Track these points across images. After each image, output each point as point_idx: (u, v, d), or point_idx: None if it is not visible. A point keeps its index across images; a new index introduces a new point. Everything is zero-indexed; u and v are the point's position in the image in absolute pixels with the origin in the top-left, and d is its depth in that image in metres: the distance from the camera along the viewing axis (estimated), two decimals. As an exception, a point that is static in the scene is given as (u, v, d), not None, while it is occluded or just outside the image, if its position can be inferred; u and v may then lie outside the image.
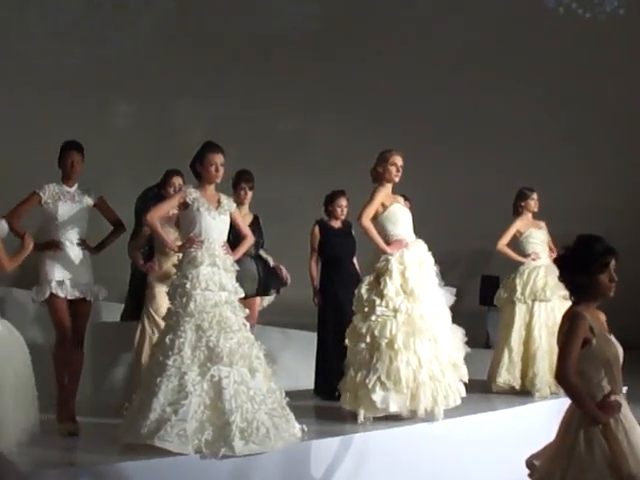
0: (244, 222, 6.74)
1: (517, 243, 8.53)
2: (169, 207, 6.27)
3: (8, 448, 5.65)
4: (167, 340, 5.84)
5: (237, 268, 6.20)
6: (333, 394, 7.15)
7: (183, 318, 5.86)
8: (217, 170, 6.10)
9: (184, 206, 6.10)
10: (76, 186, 6.68)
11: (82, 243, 6.64)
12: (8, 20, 12.59)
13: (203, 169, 6.11)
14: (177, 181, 7.27)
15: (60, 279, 6.46)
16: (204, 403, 5.65)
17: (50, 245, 6.50)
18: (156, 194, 7.43)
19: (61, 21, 12.94)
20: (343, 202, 8.18)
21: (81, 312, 6.59)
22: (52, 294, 6.43)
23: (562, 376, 4.19)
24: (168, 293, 6.14)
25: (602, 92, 12.51)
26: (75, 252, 6.57)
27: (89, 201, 6.70)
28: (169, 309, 6.05)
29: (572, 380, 4.17)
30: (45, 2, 12.95)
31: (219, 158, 6.10)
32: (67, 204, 6.57)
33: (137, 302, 7.54)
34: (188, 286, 5.90)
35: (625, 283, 4.61)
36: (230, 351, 5.80)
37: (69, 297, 6.47)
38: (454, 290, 7.26)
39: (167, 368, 5.71)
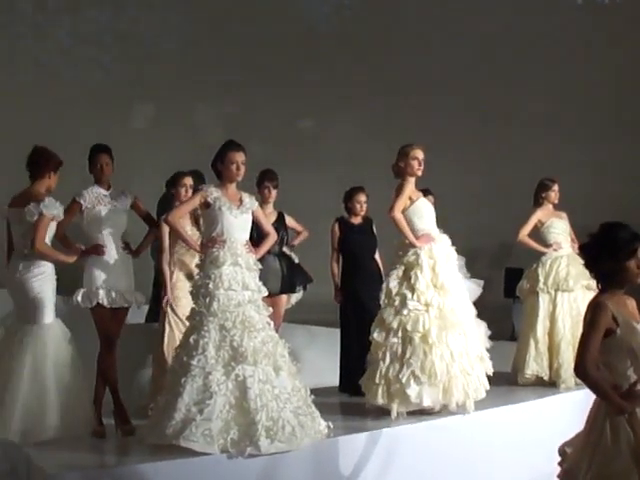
0: (267, 220, 6.75)
1: (538, 234, 8.50)
2: (190, 207, 6.29)
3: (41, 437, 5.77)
4: (191, 340, 5.86)
5: (260, 266, 6.21)
6: (358, 390, 7.15)
7: (207, 318, 5.88)
8: (238, 168, 6.08)
9: (205, 206, 6.09)
10: (112, 189, 6.67)
11: (126, 247, 6.66)
12: (26, 23, 12.69)
13: (224, 167, 6.09)
14: (188, 182, 7.27)
15: (105, 286, 6.45)
16: (229, 402, 5.66)
17: (95, 249, 6.47)
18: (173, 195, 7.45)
19: (82, 23, 13.03)
20: (362, 198, 8.14)
21: (119, 318, 6.61)
22: (98, 303, 6.43)
23: (580, 369, 4.18)
24: (191, 293, 6.15)
25: (627, 83, 12.42)
26: (119, 256, 6.57)
27: (127, 203, 6.70)
28: (192, 309, 6.07)
29: (590, 372, 4.15)
30: (65, 4, 13.04)
31: (240, 156, 6.09)
32: (107, 208, 6.56)
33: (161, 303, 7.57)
34: (211, 286, 5.91)
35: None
36: (254, 350, 5.81)
37: (114, 306, 6.48)
38: (481, 282, 7.28)
39: (191, 368, 5.73)
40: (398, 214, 6.81)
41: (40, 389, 6.16)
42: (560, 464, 4.47)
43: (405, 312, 6.67)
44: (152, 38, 12.98)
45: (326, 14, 13.52)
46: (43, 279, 6.30)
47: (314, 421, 5.91)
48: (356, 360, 7.40)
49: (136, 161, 11.81)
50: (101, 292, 6.43)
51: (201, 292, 5.96)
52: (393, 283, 6.79)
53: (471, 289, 7.24)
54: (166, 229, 7.16)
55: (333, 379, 8.17)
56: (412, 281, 6.70)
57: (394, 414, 6.60)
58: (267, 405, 5.69)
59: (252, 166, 7.57)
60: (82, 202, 6.51)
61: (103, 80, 12.76)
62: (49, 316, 6.33)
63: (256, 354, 5.80)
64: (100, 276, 6.47)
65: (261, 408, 5.65)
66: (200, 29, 12.90)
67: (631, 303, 4.37)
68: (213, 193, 6.06)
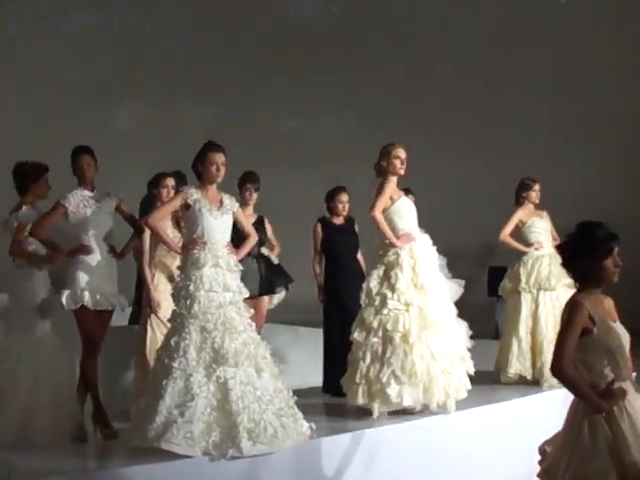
0: (247, 221, 6.74)
1: (520, 233, 8.51)
2: (170, 209, 6.27)
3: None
4: (172, 342, 5.84)
5: (241, 268, 6.20)
6: (340, 390, 7.15)
7: (187, 320, 5.85)
8: (218, 170, 6.05)
9: (186, 207, 6.07)
10: (96, 191, 6.62)
11: (112, 250, 6.62)
12: (11, 23, 12.65)
13: (204, 169, 6.06)
14: (170, 182, 7.23)
15: (90, 289, 6.40)
16: (211, 405, 5.65)
17: (81, 250, 6.43)
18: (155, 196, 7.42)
19: (65, 24, 12.99)
20: (344, 198, 8.14)
21: (104, 321, 6.56)
22: (83, 305, 6.39)
23: (556, 368, 4.20)
24: (172, 295, 6.13)
25: (608, 86, 12.45)
26: (103, 259, 6.52)
27: (112, 205, 6.65)
28: (174, 311, 6.04)
29: (566, 371, 4.17)
30: (48, 6, 13.00)
31: (220, 157, 6.05)
32: (91, 210, 6.51)
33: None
34: (192, 288, 5.89)
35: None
36: (235, 352, 5.79)
37: (97, 308, 6.43)
38: (463, 282, 7.27)
39: (172, 370, 5.71)
40: (378, 214, 6.80)
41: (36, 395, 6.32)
42: (540, 463, 4.49)
43: (385, 312, 6.66)
44: (135, 40, 12.93)
45: (311, 14, 13.52)
46: (36, 288, 6.44)
47: (296, 422, 5.90)
48: (339, 360, 7.40)
49: (119, 162, 11.78)
50: (86, 294, 6.38)
51: (182, 294, 5.94)
52: (373, 283, 6.79)
53: (452, 289, 7.23)
54: (147, 231, 7.14)
55: (317, 379, 8.16)
56: (392, 281, 6.69)
57: (375, 414, 6.59)
58: (249, 407, 5.67)
59: (234, 166, 7.57)
60: (67, 205, 6.46)
61: (86, 81, 12.71)
62: (45, 325, 6.48)
63: (237, 356, 5.79)
64: (84, 278, 6.42)
65: (243, 410, 5.63)
66: (184, 31, 12.88)
67: (608, 302, 4.39)
68: (193, 195, 6.03)
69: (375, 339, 6.67)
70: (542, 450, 4.51)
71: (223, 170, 6.08)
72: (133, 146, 12.62)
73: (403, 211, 6.93)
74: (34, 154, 10.20)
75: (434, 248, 6.99)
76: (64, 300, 6.37)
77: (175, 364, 5.72)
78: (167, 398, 5.62)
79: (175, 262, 7.16)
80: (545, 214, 8.61)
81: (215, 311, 5.89)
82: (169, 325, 6.73)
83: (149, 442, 5.51)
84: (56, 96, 12.33)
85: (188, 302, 5.88)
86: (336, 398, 7.44)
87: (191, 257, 5.98)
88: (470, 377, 6.92)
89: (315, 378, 8.19)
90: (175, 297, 6.03)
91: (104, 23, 13.22)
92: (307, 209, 8.66)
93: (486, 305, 10.86)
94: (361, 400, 6.66)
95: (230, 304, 5.98)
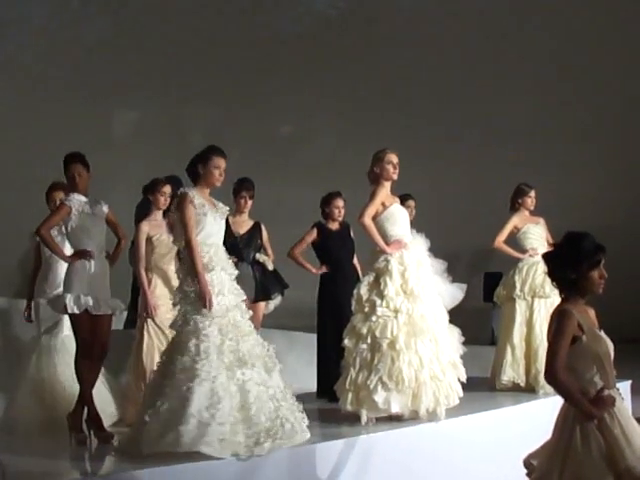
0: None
1: (515, 240, 8.52)
2: (191, 214, 5.98)
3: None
4: (191, 345, 5.76)
5: (236, 271, 6.18)
6: (334, 395, 7.15)
7: (203, 322, 5.80)
8: (220, 174, 6.03)
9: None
10: (89, 197, 6.64)
11: (107, 255, 6.66)
12: (7, 27, 12.66)
13: (206, 171, 5.99)
14: (167, 190, 7.25)
15: (90, 293, 6.45)
16: (233, 406, 5.63)
17: (83, 254, 6.48)
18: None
19: (61, 28, 13.01)
20: (339, 203, 8.15)
21: (105, 326, 6.58)
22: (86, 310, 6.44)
23: (550, 375, 4.20)
24: (180, 299, 5.97)
25: (607, 90, 12.47)
26: (100, 264, 6.56)
27: (104, 211, 6.68)
28: (182, 314, 5.92)
29: (561, 378, 4.18)
30: (44, 9, 13.02)
31: (223, 163, 6.04)
32: (89, 215, 6.56)
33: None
34: (219, 289, 5.86)
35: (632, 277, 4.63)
36: (249, 353, 5.82)
37: (94, 313, 6.45)
38: (464, 286, 7.24)
39: (198, 373, 5.65)
40: (367, 220, 6.80)
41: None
42: (528, 475, 4.49)
43: (374, 318, 6.66)
44: (135, 44, 12.94)
45: (306, 22, 13.52)
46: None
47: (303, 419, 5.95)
48: (332, 365, 7.40)
49: (118, 166, 11.81)
50: (89, 299, 6.43)
51: (191, 297, 5.87)
52: (363, 289, 6.80)
53: (453, 293, 7.21)
54: (143, 235, 7.15)
55: (312, 384, 8.19)
56: (381, 287, 6.69)
57: (363, 420, 6.59)
58: (264, 407, 5.70)
59: (231, 172, 7.60)
60: (71, 206, 6.50)
61: (86, 84, 12.73)
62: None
63: (251, 357, 5.81)
64: (84, 282, 6.47)
65: (260, 410, 5.66)
66: (181, 36, 12.88)
67: (591, 312, 4.40)
68: (196, 197, 5.96)
69: (364, 345, 6.67)
70: (527, 463, 4.51)
71: (223, 176, 6.07)
72: (131, 150, 12.63)
73: (395, 217, 6.93)
74: (36, 155, 10.31)
75: (427, 254, 6.99)
76: (67, 303, 6.41)
77: (199, 366, 5.66)
78: (196, 401, 5.56)
79: (171, 267, 7.19)
80: (541, 220, 8.60)
81: (225, 314, 5.88)
82: (166, 330, 6.78)
83: (185, 446, 5.46)
84: (56, 97, 12.35)
85: (200, 305, 5.83)
86: (330, 404, 7.41)
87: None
88: (465, 384, 6.91)
89: (310, 383, 8.20)
90: (184, 300, 5.93)
91: (105, 28, 13.23)
92: (305, 215, 8.65)
93: (482, 311, 10.86)
94: (350, 406, 6.67)
95: (235, 307, 5.99)
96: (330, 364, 7.64)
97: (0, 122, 12.03)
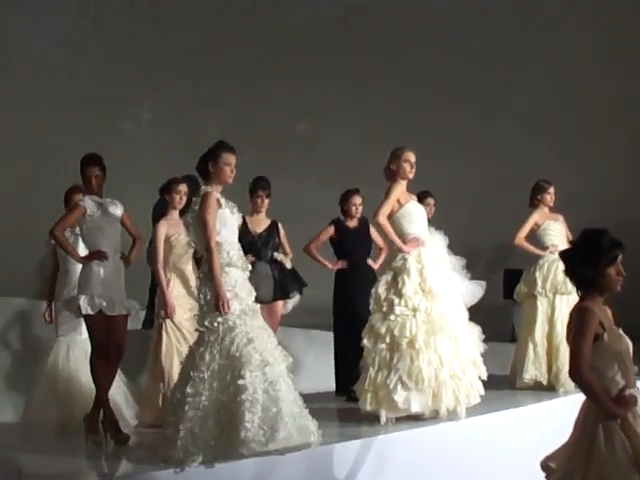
0: None
1: (535, 236, 8.44)
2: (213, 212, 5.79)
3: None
4: (249, 350, 5.59)
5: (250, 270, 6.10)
6: (350, 394, 7.14)
7: (241, 319, 5.68)
8: (232, 171, 5.86)
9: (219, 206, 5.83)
10: (104, 198, 6.64)
11: (122, 256, 6.66)
12: (21, 27, 12.72)
13: (217, 169, 5.81)
14: (183, 189, 7.24)
15: (104, 294, 6.44)
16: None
17: (97, 255, 6.46)
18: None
19: (76, 28, 13.06)
20: (357, 200, 8.16)
21: (121, 327, 6.56)
22: (100, 310, 6.43)
23: (576, 373, 4.15)
24: (205, 300, 5.79)
25: (625, 85, 12.36)
26: (114, 264, 6.55)
27: (119, 212, 6.67)
28: (214, 317, 5.69)
29: (586, 376, 4.13)
30: (59, 9, 13.06)
31: (234, 159, 5.88)
32: (104, 216, 6.55)
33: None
34: (237, 289, 5.73)
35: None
36: (274, 351, 5.74)
37: (108, 313, 6.44)
38: (484, 283, 7.18)
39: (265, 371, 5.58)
40: (383, 219, 6.75)
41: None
42: (547, 478, 4.43)
43: (392, 317, 6.61)
44: (146, 44, 12.96)
45: (322, 20, 13.47)
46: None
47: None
48: (348, 363, 7.43)
49: (134, 166, 11.82)
50: (103, 300, 6.42)
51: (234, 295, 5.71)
52: (381, 289, 6.74)
53: (473, 290, 7.14)
54: (161, 235, 7.12)
55: (331, 383, 8.18)
56: (399, 286, 6.63)
57: (383, 420, 6.54)
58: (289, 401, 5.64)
59: (247, 171, 7.56)
60: (86, 207, 6.50)
61: (102, 85, 12.76)
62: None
63: (275, 355, 5.73)
64: (98, 283, 6.45)
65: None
66: (195, 34, 12.87)
67: (608, 310, 4.34)
68: (217, 196, 5.81)
69: (383, 345, 6.61)
70: (545, 466, 4.46)
71: (234, 172, 5.90)
72: (147, 150, 12.63)
73: (412, 215, 6.87)
74: (55, 157, 10.34)
75: (446, 251, 6.93)
76: (82, 304, 6.40)
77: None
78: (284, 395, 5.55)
79: (188, 267, 7.18)
80: (560, 217, 8.53)
81: (251, 312, 5.79)
82: (184, 330, 6.75)
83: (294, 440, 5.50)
84: (72, 99, 12.39)
85: (239, 304, 5.71)
86: (349, 403, 7.42)
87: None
88: (485, 381, 6.84)
89: (329, 382, 8.20)
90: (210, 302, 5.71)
91: (119, 30, 13.25)
92: (322, 213, 8.62)
93: (502, 308, 10.78)
94: (369, 406, 6.61)
95: (252, 310, 5.85)
96: (344, 362, 7.70)
97: (19, 124, 12.07)
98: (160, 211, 7.63)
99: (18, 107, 12.14)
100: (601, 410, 4.15)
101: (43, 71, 12.74)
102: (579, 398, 4.38)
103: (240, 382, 5.46)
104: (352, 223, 8.22)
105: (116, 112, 12.73)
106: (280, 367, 5.69)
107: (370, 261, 8.16)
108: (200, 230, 5.75)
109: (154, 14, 13.07)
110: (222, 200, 5.83)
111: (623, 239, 4.28)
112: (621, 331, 4.28)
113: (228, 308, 5.62)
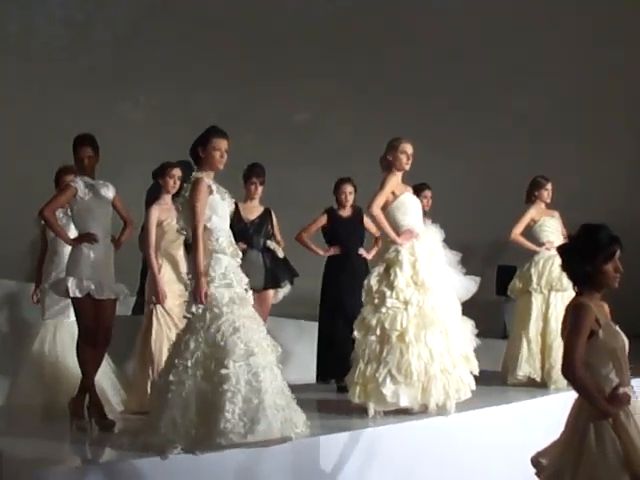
0: None
1: (531, 232, 8.39)
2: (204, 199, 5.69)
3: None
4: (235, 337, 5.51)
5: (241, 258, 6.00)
6: (328, 379, 7.31)
7: (230, 307, 5.59)
8: (222, 156, 5.74)
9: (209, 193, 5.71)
10: (96, 180, 6.53)
11: (113, 239, 6.57)
12: (21, 11, 12.69)
13: (207, 154, 5.70)
14: (176, 173, 7.16)
15: (93, 277, 6.34)
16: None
17: (87, 237, 6.36)
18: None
19: (71, 9, 13.05)
20: (347, 189, 8.15)
21: (109, 311, 6.48)
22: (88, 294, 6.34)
23: (569, 370, 4.11)
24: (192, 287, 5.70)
25: (626, 84, 12.33)
26: (105, 248, 6.45)
27: (111, 195, 6.56)
28: (215, 299, 5.59)
29: (579, 373, 4.09)
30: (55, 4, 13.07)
31: (224, 144, 5.75)
32: (95, 198, 6.45)
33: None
34: (231, 277, 5.65)
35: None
36: (262, 341, 5.66)
37: (97, 297, 6.35)
38: (478, 279, 7.14)
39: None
40: (376, 210, 6.69)
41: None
42: (538, 475, 4.39)
43: (384, 310, 6.53)
44: (149, 30, 12.92)
45: (323, 9, 13.41)
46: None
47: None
48: (331, 351, 7.62)
49: (130, 150, 11.78)
50: (91, 283, 6.33)
51: (222, 283, 5.62)
52: (373, 280, 6.66)
53: (467, 285, 7.09)
54: (153, 219, 7.04)
55: (321, 374, 8.15)
56: (391, 278, 6.56)
57: (371, 413, 6.48)
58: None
59: (245, 158, 7.49)
60: (77, 188, 6.39)
61: (100, 69, 12.73)
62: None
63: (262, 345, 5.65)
64: (87, 266, 6.36)
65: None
66: (198, 20, 12.83)
67: (605, 307, 4.30)
68: (208, 181, 5.70)
69: (373, 337, 6.54)
70: (536, 462, 4.41)
71: (225, 157, 5.78)
72: (144, 135, 12.60)
73: (406, 206, 6.80)
74: (50, 138, 10.31)
75: (441, 244, 6.86)
76: (70, 287, 6.32)
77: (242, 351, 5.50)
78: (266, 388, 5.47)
79: (179, 252, 7.10)
80: (556, 213, 8.49)
81: (240, 301, 5.69)
82: (175, 317, 6.68)
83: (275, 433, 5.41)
84: (71, 82, 12.37)
85: (228, 292, 5.61)
86: (339, 394, 7.41)
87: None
88: (476, 377, 6.78)
89: (319, 373, 8.15)
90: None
91: (122, 15, 13.21)
92: (318, 202, 8.57)
93: (494, 304, 10.77)
94: (358, 399, 6.55)
95: (242, 299, 5.74)
96: (330, 349, 7.83)
97: (17, 104, 12.04)
98: (153, 195, 7.55)
99: (19, 87, 12.15)
100: (593, 408, 4.10)
101: (42, 51, 12.73)
102: (572, 395, 4.35)
103: (223, 371, 5.39)
104: (345, 212, 8.20)
105: (116, 97, 12.71)
106: (268, 357, 5.61)
107: (362, 250, 8.12)
108: (188, 215, 5.67)
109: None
110: (213, 186, 5.72)
111: (623, 237, 4.22)
112: (618, 328, 4.23)
113: (206, 298, 5.52)
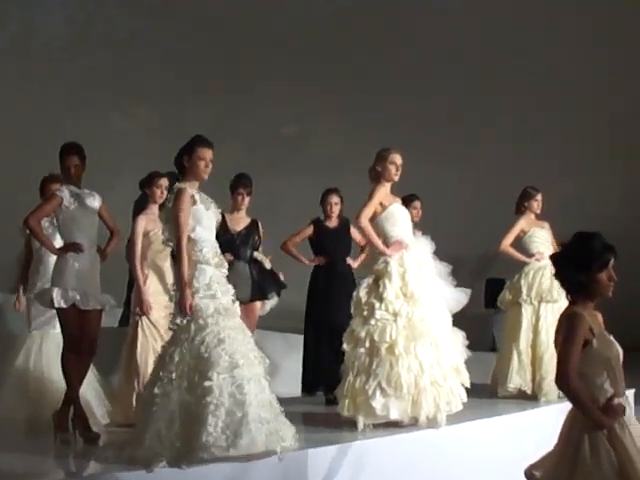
0: None
1: (521, 243, 8.37)
2: (187, 209, 5.64)
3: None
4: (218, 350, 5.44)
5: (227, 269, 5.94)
6: (311, 390, 7.34)
7: (217, 317, 5.53)
8: (207, 166, 5.69)
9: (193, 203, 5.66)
10: (82, 189, 6.47)
11: (99, 249, 6.50)
12: (19, 20, 12.66)
13: (192, 164, 5.65)
14: (164, 183, 7.08)
15: (78, 288, 6.27)
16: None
17: (72, 247, 6.30)
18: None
19: (77, 13, 13.05)
20: (332, 199, 8.11)
21: (94, 322, 6.40)
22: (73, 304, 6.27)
23: (563, 380, 4.05)
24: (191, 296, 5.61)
25: (616, 92, 12.35)
26: (90, 258, 6.39)
27: (97, 204, 6.50)
28: (202, 311, 5.53)
29: (574, 384, 4.03)
30: (56, 4, 13.03)
31: (209, 153, 5.70)
32: (80, 207, 6.39)
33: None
34: (215, 288, 5.58)
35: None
36: (249, 353, 5.59)
37: (82, 307, 6.27)
38: (469, 291, 7.11)
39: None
40: (364, 221, 6.63)
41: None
42: None
43: (373, 322, 6.47)
44: (137, 41, 12.91)
45: (323, 9, 13.39)
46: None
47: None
48: (316, 363, 7.64)
49: (118, 162, 11.73)
50: (76, 294, 6.26)
51: (207, 294, 5.56)
52: (362, 292, 6.61)
53: (458, 297, 7.04)
54: (140, 229, 6.97)
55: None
56: (380, 290, 6.51)
57: (360, 426, 6.41)
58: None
59: (232, 168, 7.43)
60: (63, 197, 6.33)
61: (89, 80, 12.70)
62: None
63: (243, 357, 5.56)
64: (72, 276, 6.30)
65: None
66: (184, 30, 12.81)
67: (599, 316, 4.25)
68: (192, 192, 5.65)
69: (362, 350, 6.48)
70: (530, 474, 4.34)
71: (210, 167, 5.73)
72: (133, 146, 12.56)
73: (395, 217, 6.75)
74: (37, 148, 10.24)
75: (430, 255, 6.81)
76: (55, 297, 6.25)
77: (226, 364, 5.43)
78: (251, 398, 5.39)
79: (166, 263, 7.01)
80: (546, 224, 8.47)
81: (225, 312, 5.62)
82: (161, 329, 6.59)
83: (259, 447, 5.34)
84: (70, 81, 12.35)
85: (213, 303, 5.55)
86: (328, 407, 7.37)
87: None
88: (466, 390, 6.72)
89: (307, 386, 8.07)
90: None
91: (105, 25, 13.19)
92: (304, 214, 8.53)
93: (483, 317, 10.74)
94: (347, 412, 6.47)
95: (227, 310, 5.67)
96: (315, 361, 7.86)
97: (17, 104, 12.01)
98: (141, 206, 7.48)
99: (19, 87, 12.11)
100: (588, 419, 4.05)
101: (32, 59, 12.71)
102: (564, 407, 4.30)
103: (206, 384, 5.33)
104: (331, 223, 8.17)
105: (103, 106, 12.68)
106: (255, 369, 5.54)
107: (349, 259, 8.09)
108: (173, 227, 5.61)
109: (146, 11, 13.02)
110: (197, 196, 5.67)
111: (617, 246, 4.17)
112: (612, 337, 4.18)
113: (190, 310, 5.46)
